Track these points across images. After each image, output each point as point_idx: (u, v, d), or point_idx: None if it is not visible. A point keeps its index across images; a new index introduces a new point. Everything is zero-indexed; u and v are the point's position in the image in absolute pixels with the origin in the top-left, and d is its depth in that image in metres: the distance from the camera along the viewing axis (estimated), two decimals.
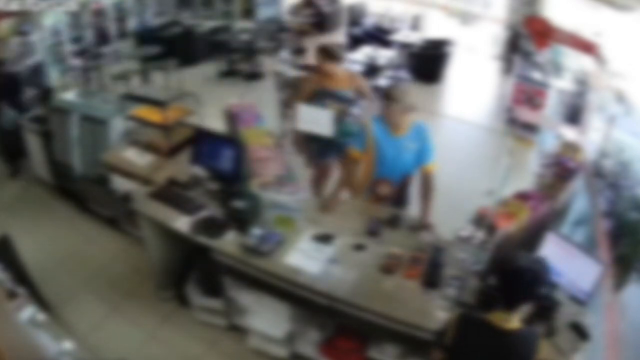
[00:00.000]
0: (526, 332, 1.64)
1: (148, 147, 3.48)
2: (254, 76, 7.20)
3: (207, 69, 7.45)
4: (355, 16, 8.84)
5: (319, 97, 3.46)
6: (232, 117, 3.33)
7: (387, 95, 2.69)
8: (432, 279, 2.33)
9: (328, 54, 3.43)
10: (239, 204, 2.67)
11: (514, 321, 1.60)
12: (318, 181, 3.83)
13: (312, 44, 7.45)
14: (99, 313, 3.17)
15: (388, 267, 2.40)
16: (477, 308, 2.05)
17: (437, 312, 2.17)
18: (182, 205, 2.83)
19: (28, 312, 2.14)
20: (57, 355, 1.98)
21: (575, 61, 5.33)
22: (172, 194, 2.93)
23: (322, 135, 3.10)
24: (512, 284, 1.59)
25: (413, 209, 2.96)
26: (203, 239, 2.63)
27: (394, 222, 2.74)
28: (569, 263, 2.18)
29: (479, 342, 1.63)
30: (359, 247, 2.56)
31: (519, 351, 1.63)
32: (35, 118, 4.19)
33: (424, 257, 2.43)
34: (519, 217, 2.61)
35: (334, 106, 3.37)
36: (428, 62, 7.29)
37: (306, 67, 5.61)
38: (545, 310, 2.07)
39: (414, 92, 2.85)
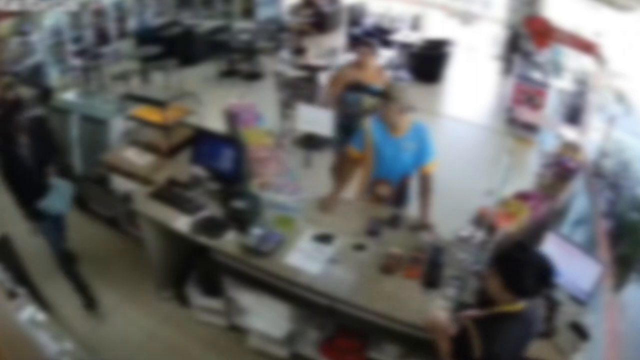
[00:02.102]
0: (531, 309, 1.70)
1: (148, 147, 3.48)
2: (254, 76, 7.21)
3: (207, 69, 7.45)
4: (355, 16, 8.86)
5: (353, 89, 3.71)
6: (232, 117, 3.33)
7: (384, 95, 2.69)
8: (432, 279, 2.32)
9: (367, 44, 3.76)
10: (239, 204, 2.67)
11: (519, 304, 1.64)
12: (339, 168, 3.81)
13: (312, 44, 7.48)
14: (98, 313, 3.17)
15: (388, 267, 2.40)
16: (478, 307, 2.05)
17: (437, 312, 2.17)
18: (182, 205, 2.83)
19: (28, 312, 2.13)
20: (57, 355, 1.98)
21: (575, 61, 5.33)
22: (172, 194, 2.93)
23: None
24: (524, 275, 1.59)
25: (413, 209, 2.95)
26: (203, 239, 2.63)
27: (394, 222, 2.74)
28: (569, 263, 2.18)
29: (504, 334, 1.65)
30: (359, 247, 2.56)
31: (533, 326, 1.73)
32: (35, 118, 4.18)
33: (424, 257, 2.43)
34: (519, 217, 2.61)
35: (369, 101, 3.58)
36: (428, 62, 7.30)
37: (306, 67, 5.62)
38: (545, 310, 2.07)
39: (414, 92, 2.85)
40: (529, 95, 5.50)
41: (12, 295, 2.15)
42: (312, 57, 6.12)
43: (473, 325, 1.67)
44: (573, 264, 2.17)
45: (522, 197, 2.76)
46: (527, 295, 1.61)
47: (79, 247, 3.77)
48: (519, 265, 1.59)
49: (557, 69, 5.76)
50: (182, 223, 2.73)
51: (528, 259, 1.61)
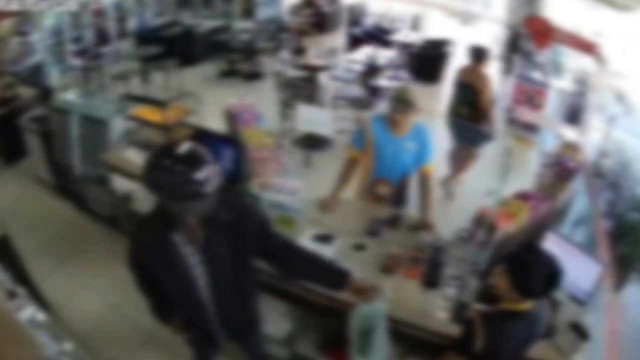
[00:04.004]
0: (537, 309, 1.70)
1: (148, 147, 3.48)
2: (254, 76, 7.21)
3: (207, 69, 7.45)
4: (355, 16, 8.86)
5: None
6: (232, 117, 3.33)
7: (400, 99, 2.61)
8: (432, 279, 2.32)
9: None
10: None
11: (527, 304, 1.65)
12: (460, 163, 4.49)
13: (312, 44, 7.48)
14: (99, 313, 3.17)
15: (388, 267, 2.40)
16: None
17: (437, 312, 2.17)
18: None
19: (28, 312, 2.13)
20: (57, 355, 1.97)
21: (575, 61, 5.34)
22: None
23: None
24: (531, 277, 1.60)
25: (412, 209, 2.95)
26: None
27: (394, 222, 2.74)
28: (569, 263, 2.16)
29: (508, 331, 1.66)
30: (359, 247, 2.55)
31: (538, 326, 1.73)
32: (35, 118, 4.19)
33: (424, 257, 2.43)
34: (519, 217, 2.61)
35: None
36: (428, 62, 7.29)
37: (306, 67, 5.62)
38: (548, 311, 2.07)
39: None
40: (529, 95, 5.50)
41: (12, 295, 2.15)
42: (312, 57, 6.12)
43: (480, 319, 1.68)
44: (573, 264, 2.17)
45: (522, 197, 2.75)
46: (534, 296, 1.63)
47: (79, 247, 3.78)
48: (528, 267, 1.61)
49: (557, 69, 5.76)
50: None
51: (537, 261, 1.62)
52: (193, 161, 1.47)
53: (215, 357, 2.18)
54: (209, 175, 1.47)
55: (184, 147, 1.51)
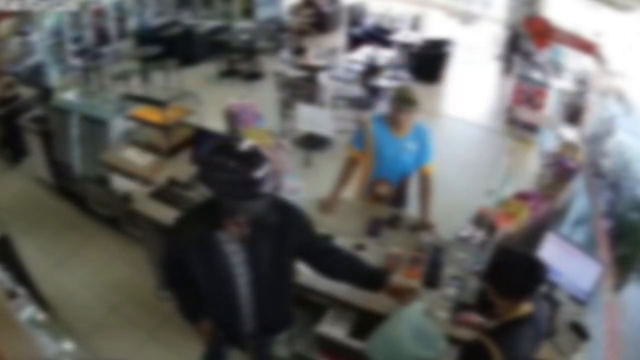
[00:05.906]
0: (538, 308, 1.67)
1: (148, 147, 3.48)
2: (254, 76, 7.21)
3: (207, 69, 7.46)
4: (355, 16, 8.88)
5: None
6: (232, 117, 3.34)
7: (404, 99, 2.61)
8: (432, 279, 2.32)
9: None
10: None
11: (526, 306, 1.61)
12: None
13: (312, 44, 7.48)
14: (98, 313, 3.17)
15: (388, 267, 2.40)
16: (478, 310, 2.05)
17: (437, 312, 2.17)
18: (182, 205, 2.82)
19: (28, 312, 2.13)
20: (57, 355, 1.98)
21: (575, 61, 5.34)
22: (172, 194, 2.93)
23: None
24: (508, 277, 1.57)
25: (412, 209, 2.95)
26: None
27: (394, 222, 2.74)
28: (569, 263, 2.18)
29: (520, 339, 1.62)
30: (359, 247, 2.55)
31: (541, 327, 1.69)
32: (35, 118, 4.19)
33: (424, 257, 2.43)
34: (519, 217, 2.61)
35: None
36: (428, 62, 7.30)
37: (306, 67, 5.62)
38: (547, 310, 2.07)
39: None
40: (529, 95, 5.50)
41: (12, 295, 2.15)
42: (312, 57, 6.12)
43: (488, 338, 1.60)
44: (573, 264, 2.17)
45: (522, 197, 2.76)
46: (522, 295, 1.59)
47: (79, 247, 3.78)
48: (503, 268, 1.59)
49: (557, 69, 5.77)
50: None
51: (511, 260, 1.60)
52: (252, 160, 1.47)
53: (227, 357, 2.20)
54: (267, 175, 1.47)
55: (245, 144, 1.51)
